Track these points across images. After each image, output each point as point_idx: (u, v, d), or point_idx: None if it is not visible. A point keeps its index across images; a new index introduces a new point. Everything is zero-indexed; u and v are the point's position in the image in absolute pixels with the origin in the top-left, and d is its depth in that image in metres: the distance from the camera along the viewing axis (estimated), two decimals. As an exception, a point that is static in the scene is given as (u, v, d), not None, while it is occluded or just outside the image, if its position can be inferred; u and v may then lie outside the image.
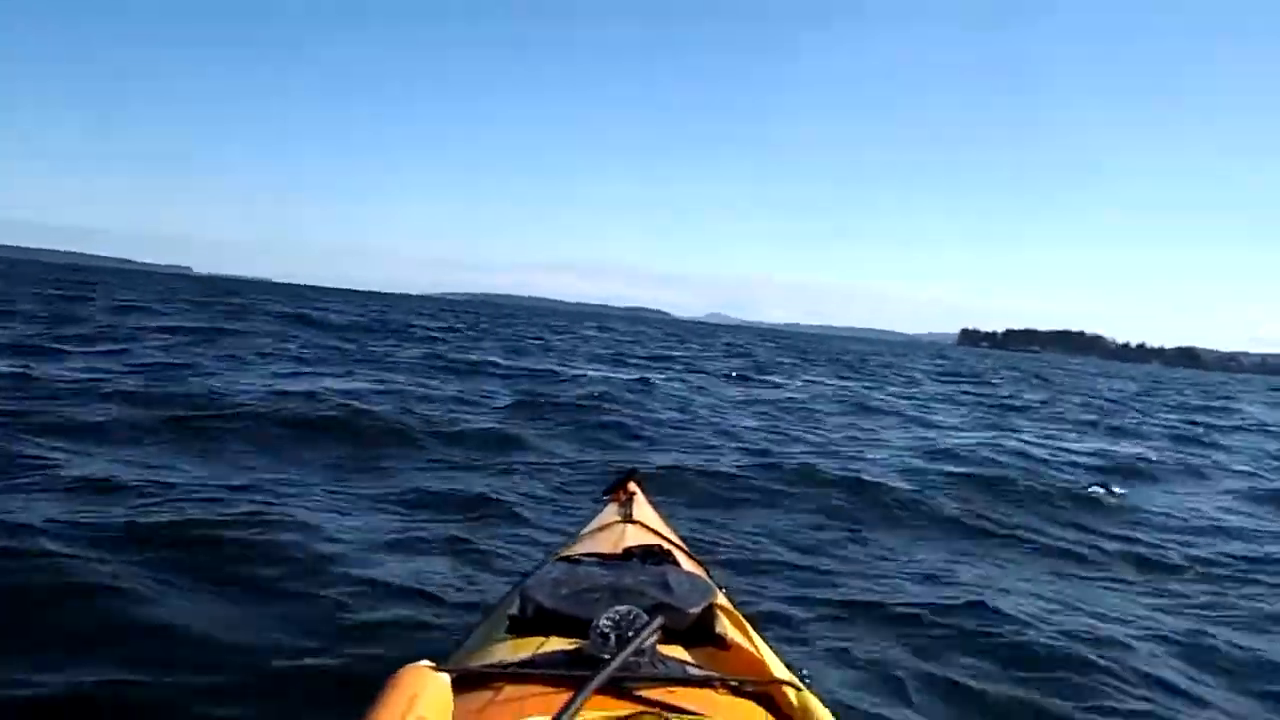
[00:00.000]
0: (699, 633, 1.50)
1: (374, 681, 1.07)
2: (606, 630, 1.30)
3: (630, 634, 1.29)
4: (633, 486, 3.03)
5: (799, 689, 1.31)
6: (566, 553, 2.23)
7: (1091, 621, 3.97)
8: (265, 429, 6.66)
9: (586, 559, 1.93)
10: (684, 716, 1.03)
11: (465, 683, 1.23)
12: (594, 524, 2.74)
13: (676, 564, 1.91)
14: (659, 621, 1.35)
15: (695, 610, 1.50)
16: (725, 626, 1.55)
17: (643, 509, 2.83)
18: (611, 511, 2.79)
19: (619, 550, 2.06)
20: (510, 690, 1.22)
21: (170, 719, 2.42)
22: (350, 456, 6.14)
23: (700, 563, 2.36)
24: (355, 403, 8.47)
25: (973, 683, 3.18)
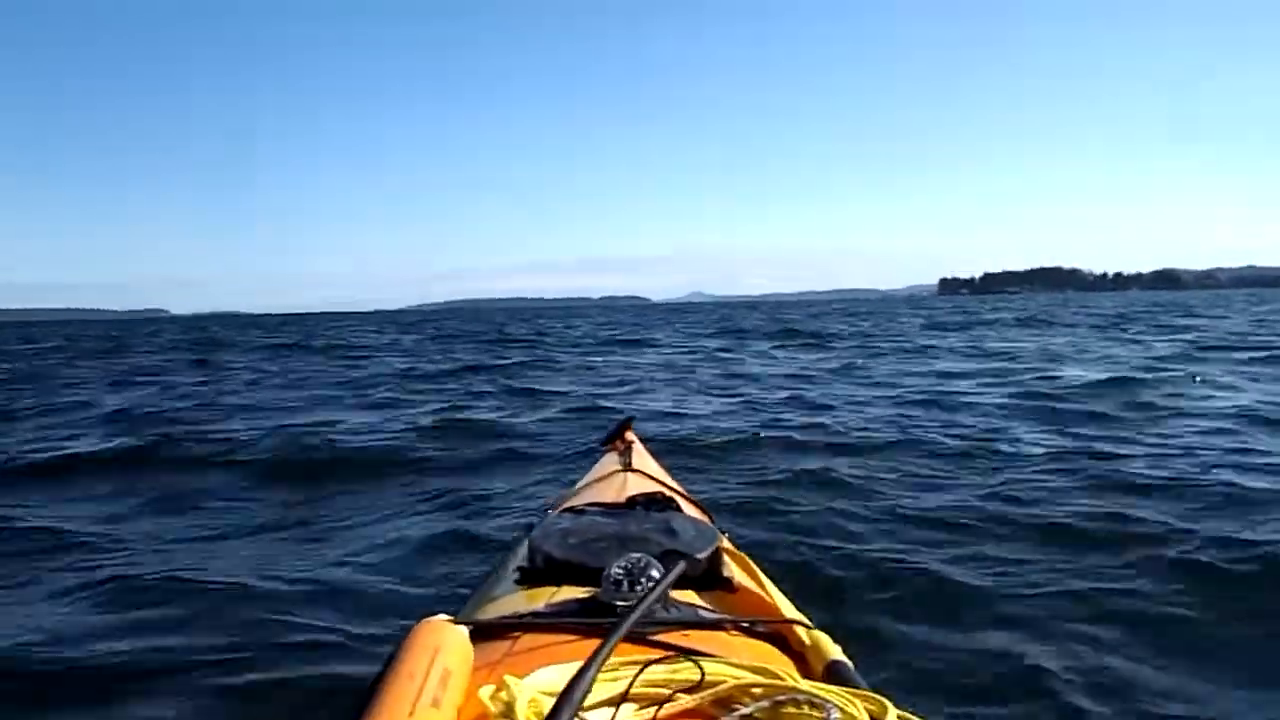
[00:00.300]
0: (707, 577, 1.52)
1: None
2: (619, 578, 1.32)
3: (643, 580, 1.31)
4: (630, 435, 3.05)
5: (809, 627, 1.32)
6: (570, 503, 2.24)
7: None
8: (250, 464, 6.42)
9: (591, 509, 1.95)
10: (703, 658, 1.03)
11: (482, 634, 1.23)
12: (594, 473, 2.76)
13: (679, 510, 1.92)
14: (680, 568, 1.36)
15: (703, 555, 1.52)
16: (732, 570, 1.58)
17: (641, 457, 2.85)
18: (611, 461, 2.81)
19: (622, 499, 2.08)
20: (528, 640, 1.23)
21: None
22: (350, 476, 5.96)
23: (702, 508, 2.38)
24: (346, 423, 8.34)
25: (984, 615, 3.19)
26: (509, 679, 0.96)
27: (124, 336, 39.59)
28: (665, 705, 0.96)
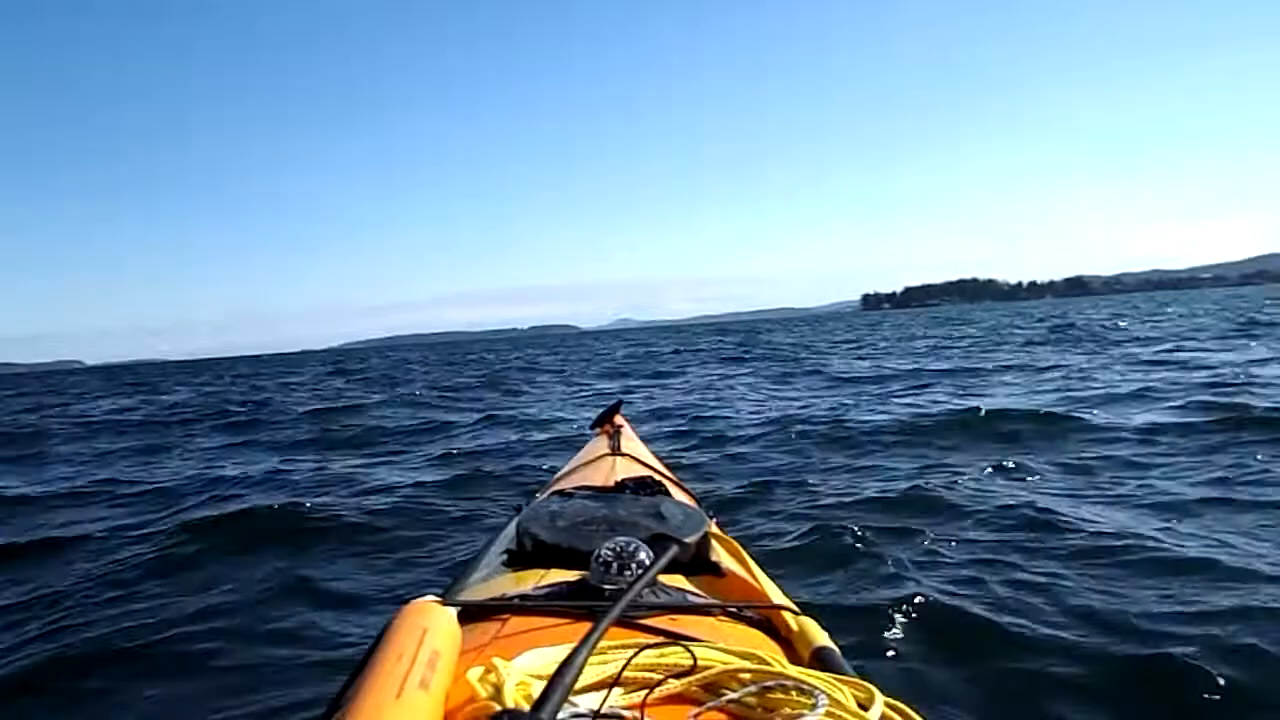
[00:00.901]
0: (696, 562, 1.52)
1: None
2: (607, 561, 1.31)
3: (632, 564, 1.30)
4: (619, 419, 3.06)
5: (797, 613, 1.33)
6: (559, 486, 2.24)
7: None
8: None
9: (579, 492, 1.94)
10: (692, 644, 1.04)
11: (471, 615, 1.23)
12: (582, 456, 2.75)
13: (668, 495, 1.91)
14: (672, 552, 1.36)
15: (692, 539, 1.52)
16: (720, 555, 1.58)
17: (631, 441, 2.84)
18: (600, 444, 2.81)
19: (611, 482, 2.07)
20: (516, 622, 1.21)
21: None
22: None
23: (690, 493, 2.36)
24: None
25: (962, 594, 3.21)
26: (497, 661, 0.96)
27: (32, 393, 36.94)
28: (655, 690, 0.95)
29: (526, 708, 0.81)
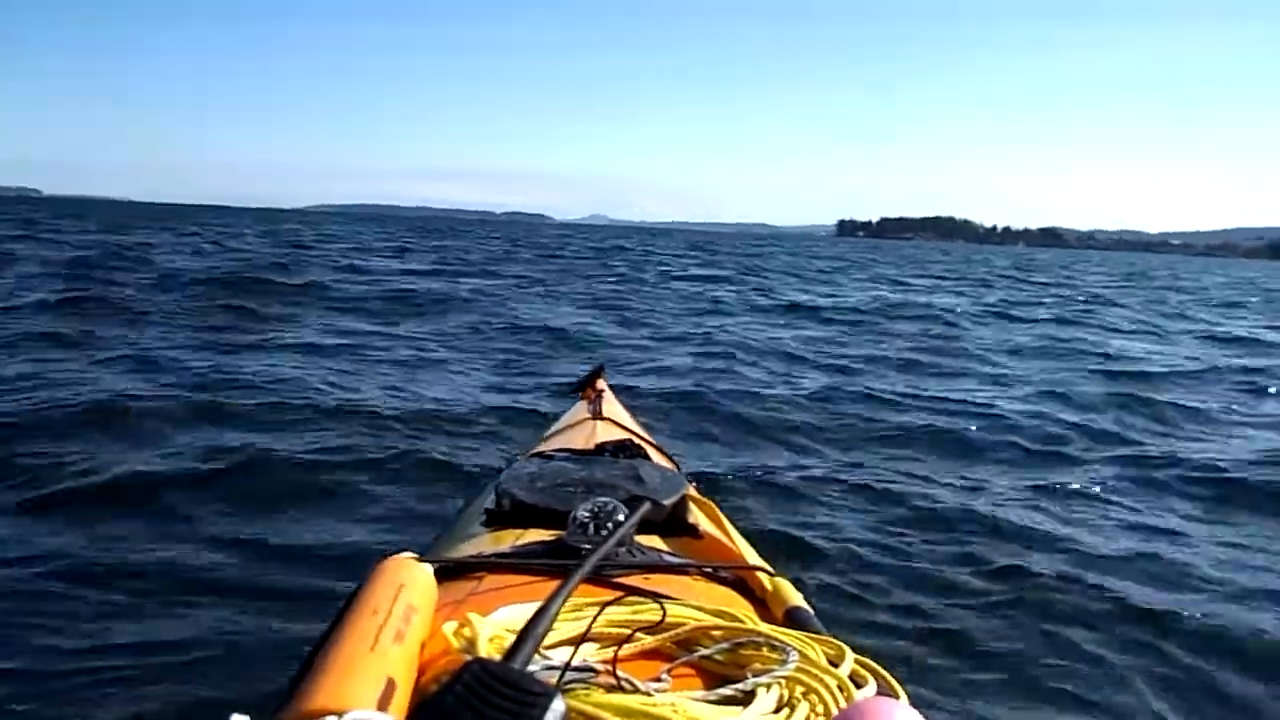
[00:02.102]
0: (673, 523, 1.55)
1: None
2: (585, 520, 1.34)
3: (609, 524, 1.32)
4: (601, 384, 3.07)
5: (771, 574, 1.36)
6: (539, 449, 2.28)
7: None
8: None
9: (559, 454, 1.96)
10: (665, 600, 1.06)
11: (447, 573, 1.25)
12: (564, 421, 2.79)
13: (647, 459, 1.95)
14: (644, 508, 1.39)
15: (669, 501, 1.55)
16: (698, 517, 1.62)
17: (612, 406, 2.87)
18: (581, 409, 2.84)
19: (591, 446, 2.09)
20: (493, 580, 1.25)
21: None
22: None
23: (669, 457, 2.41)
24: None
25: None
26: (472, 616, 0.97)
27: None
28: (625, 645, 0.98)
29: (499, 659, 0.82)
